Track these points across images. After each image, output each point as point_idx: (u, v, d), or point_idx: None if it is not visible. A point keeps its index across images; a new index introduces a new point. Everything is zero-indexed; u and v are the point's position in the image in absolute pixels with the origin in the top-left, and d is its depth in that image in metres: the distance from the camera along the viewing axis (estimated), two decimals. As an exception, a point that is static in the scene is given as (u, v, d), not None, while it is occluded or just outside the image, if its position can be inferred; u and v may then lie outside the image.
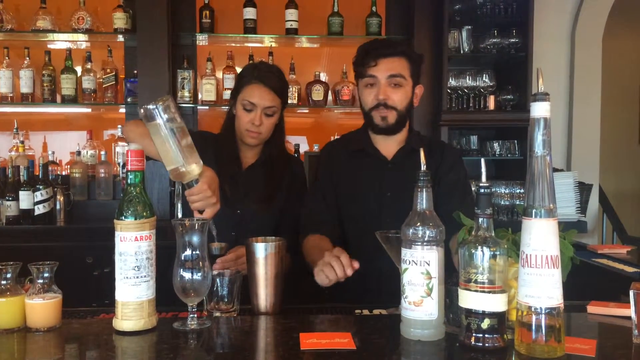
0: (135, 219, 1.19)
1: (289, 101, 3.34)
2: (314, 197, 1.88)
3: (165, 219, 2.81)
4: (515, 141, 3.30)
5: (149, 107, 1.41)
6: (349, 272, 1.38)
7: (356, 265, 1.40)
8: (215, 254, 1.62)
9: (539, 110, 1.05)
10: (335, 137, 2.95)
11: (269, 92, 1.88)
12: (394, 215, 1.75)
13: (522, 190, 3.13)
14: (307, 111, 3.67)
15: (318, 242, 1.70)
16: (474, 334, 1.08)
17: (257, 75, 1.90)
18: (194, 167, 1.46)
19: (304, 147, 3.55)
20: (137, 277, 1.19)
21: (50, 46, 3.42)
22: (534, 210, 1.04)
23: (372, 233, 1.69)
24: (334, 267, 1.39)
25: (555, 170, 3.17)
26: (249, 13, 3.27)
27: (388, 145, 1.88)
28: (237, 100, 1.92)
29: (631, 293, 1.14)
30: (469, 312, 1.08)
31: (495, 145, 3.32)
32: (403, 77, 1.79)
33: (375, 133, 1.87)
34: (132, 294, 1.19)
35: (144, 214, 1.20)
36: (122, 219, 1.20)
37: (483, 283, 1.07)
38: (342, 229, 1.85)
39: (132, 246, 1.19)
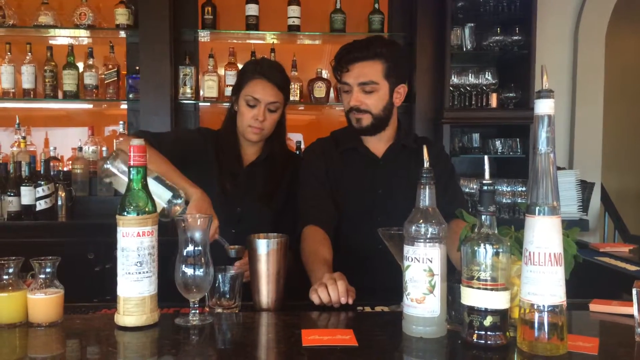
0: (138, 214, 1.19)
1: (291, 98, 3.35)
2: (311, 186, 1.86)
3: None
4: (518, 139, 3.29)
5: (104, 166, 1.48)
6: (343, 301, 1.37)
7: (350, 300, 1.39)
8: (232, 257, 1.62)
9: (543, 107, 1.04)
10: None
11: (272, 87, 1.88)
12: (386, 212, 1.78)
13: (524, 189, 3.13)
14: (308, 108, 3.66)
15: (316, 247, 1.67)
16: (476, 332, 1.08)
17: (260, 70, 1.89)
18: (178, 202, 1.49)
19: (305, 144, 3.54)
20: (139, 273, 1.19)
21: (52, 42, 3.41)
22: (537, 208, 1.04)
23: (364, 230, 1.70)
24: (329, 291, 1.38)
25: (557, 168, 3.16)
26: (251, 9, 3.26)
27: (377, 143, 1.88)
28: (239, 96, 1.91)
29: (634, 291, 1.14)
30: (472, 310, 1.08)
31: (497, 143, 3.32)
32: (375, 82, 1.77)
33: (356, 133, 1.87)
34: (134, 289, 1.18)
35: (146, 209, 1.20)
36: (124, 215, 1.19)
37: (486, 280, 1.07)
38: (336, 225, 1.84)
39: (134, 242, 1.18)
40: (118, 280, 1.20)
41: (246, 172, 1.96)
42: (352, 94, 1.79)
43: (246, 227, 1.75)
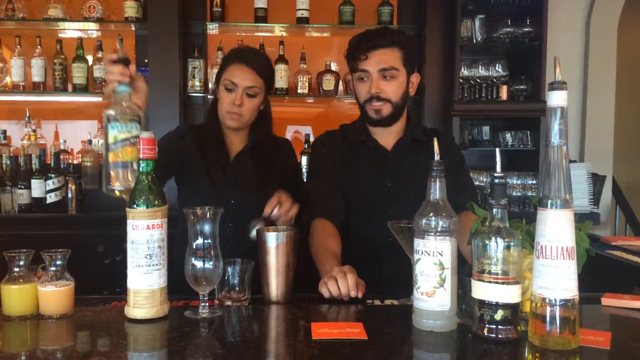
0: (147, 207, 1.19)
1: (300, 91, 3.34)
2: (319, 178, 1.86)
3: (177, 207, 2.81)
4: (528, 132, 3.26)
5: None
6: (353, 294, 1.37)
7: (360, 294, 1.38)
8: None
9: (556, 99, 1.03)
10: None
11: (250, 71, 1.85)
12: (396, 204, 1.77)
13: (534, 182, 3.10)
14: (317, 101, 3.65)
15: (325, 240, 1.67)
16: (487, 325, 1.07)
17: (239, 55, 1.88)
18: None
19: (314, 137, 3.53)
20: (149, 266, 1.19)
21: (62, 35, 3.42)
22: (549, 201, 1.03)
23: (373, 223, 1.69)
24: (338, 284, 1.38)
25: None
26: (260, 2, 3.25)
27: (387, 136, 1.87)
28: (219, 83, 1.89)
29: (647, 285, 1.13)
30: (482, 303, 1.07)
31: (508, 135, 3.29)
32: (395, 68, 1.76)
33: (370, 125, 1.86)
34: (144, 282, 1.19)
35: (156, 202, 1.20)
36: (134, 207, 1.19)
37: (497, 274, 1.06)
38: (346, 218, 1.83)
39: (144, 234, 1.19)
40: (128, 272, 1.20)
41: (235, 163, 1.93)
42: (372, 82, 1.77)
43: (243, 219, 1.70)
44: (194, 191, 1.90)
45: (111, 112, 1.31)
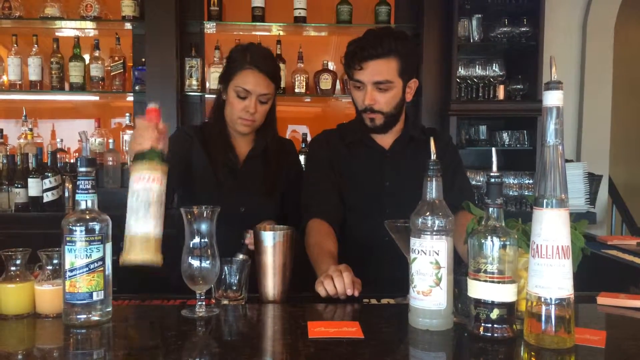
0: (151, 160, 1.23)
1: (297, 90, 3.35)
2: (316, 178, 1.85)
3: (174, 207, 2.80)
4: (525, 131, 3.27)
5: None
6: (349, 292, 1.36)
7: (356, 292, 1.38)
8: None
9: (552, 98, 1.03)
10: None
11: (264, 78, 1.81)
12: (394, 204, 1.77)
13: (531, 181, 3.11)
14: (314, 100, 3.65)
15: (321, 240, 1.67)
16: (482, 324, 1.07)
17: (250, 60, 1.81)
18: None
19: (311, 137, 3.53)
20: (147, 214, 1.20)
21: (59, 34, 3.41)
22: (545, 200, 1.03)
23: (372, 222, 1.69)
24: (335, 283, 1.38)
25: (565, 160, 3.13)
26: (257, 1, 3.24)
27: (384, 136, 1.86)
28: (228, 86, 1.84)
29: (642, 284, 1.13)
30: (478, 302, 1.08)
31: (505, 135, 3.30)
32: (390, 81, 1.73)
33: (366, 132, 1.85)
34: (140, 228, 1.20)
35: (157, 159, 1.24)
36: (137, 161, 1.23)
37: (492, 273, 1.06)
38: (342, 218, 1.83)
39: (144, 186, 1.21)
40: (126, 221, 1.22)
41: (244, 168, 1.90)
42: (366, 93, 1.75)
43: (251, 226, 1.60)
44: (201, 198, 1.86)
45: (67, 228, 1.16)
